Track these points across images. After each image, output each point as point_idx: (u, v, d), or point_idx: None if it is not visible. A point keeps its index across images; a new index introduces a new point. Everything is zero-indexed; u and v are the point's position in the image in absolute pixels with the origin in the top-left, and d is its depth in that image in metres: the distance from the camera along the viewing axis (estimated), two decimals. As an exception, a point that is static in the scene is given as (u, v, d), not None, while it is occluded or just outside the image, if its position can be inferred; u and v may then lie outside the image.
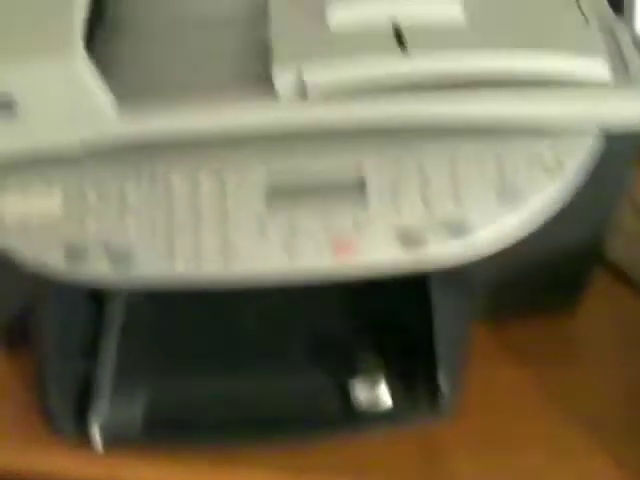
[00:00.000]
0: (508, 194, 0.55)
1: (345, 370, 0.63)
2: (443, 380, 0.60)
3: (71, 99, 0.53)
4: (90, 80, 0.53)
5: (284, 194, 0.56)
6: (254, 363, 0.65)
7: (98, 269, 0.55)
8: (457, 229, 0.55)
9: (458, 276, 0.59)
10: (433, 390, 0.60)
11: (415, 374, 0.62)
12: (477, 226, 0.55)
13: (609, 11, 0.62)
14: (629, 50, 0.58)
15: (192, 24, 0.62)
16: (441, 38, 0.55)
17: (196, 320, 0.68)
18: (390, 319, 0.66)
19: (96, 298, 0.67)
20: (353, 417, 0.61)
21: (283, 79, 0.54)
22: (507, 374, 0.66)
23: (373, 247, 0.55)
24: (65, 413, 0.62)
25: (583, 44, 0.56)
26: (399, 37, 0.55)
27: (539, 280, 0.63)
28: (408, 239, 0.55)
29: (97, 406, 0.62)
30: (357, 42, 0.55)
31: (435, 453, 0.62)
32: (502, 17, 0.58)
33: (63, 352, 0.63)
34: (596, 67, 0.55)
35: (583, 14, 0.58)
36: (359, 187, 0.55)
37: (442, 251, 0.55)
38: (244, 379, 0.64)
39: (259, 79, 0.55)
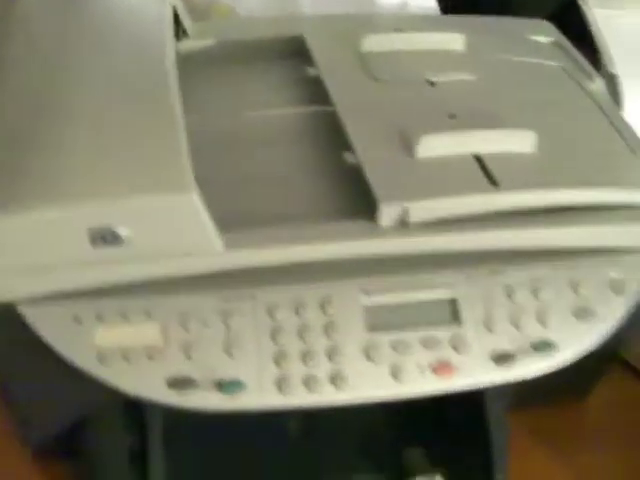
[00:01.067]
0: (585, 314, 0.60)
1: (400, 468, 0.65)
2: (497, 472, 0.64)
3: (181, 232, 0.53)
4: (203, 215, 0.53)
5: (384, 320, 0.58)
6: (304, 472, 0.66)
7: (206, 400, 0.55)
8: (543, 348, 0.59)
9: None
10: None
11: (469, 469, 0.65)
12: (560, 345, 0.59)
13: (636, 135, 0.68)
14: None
15: (267, 144, 0.63)
16: (521, 171, 0.59)
17: (239, 432, 0.66)
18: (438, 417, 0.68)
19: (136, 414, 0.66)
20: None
21: (388, 215, 0.56)
22: (533, 459, 0.71)
23: (470, 367, 0.58)
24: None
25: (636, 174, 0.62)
26: (485, 170, 0.59)
27: (564, 377, 0.68)
28: (500, 359, 0.58)
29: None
30: (450, 176, 0.58)
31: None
32: (567, 147, 0.63)
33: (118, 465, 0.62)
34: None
35: (627, 143, 0.65)
36: (454, 310, 0.59)
37: (531, 369, 0.59)
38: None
39: (356, 210, 0.57)
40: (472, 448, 0.65)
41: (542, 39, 0.76)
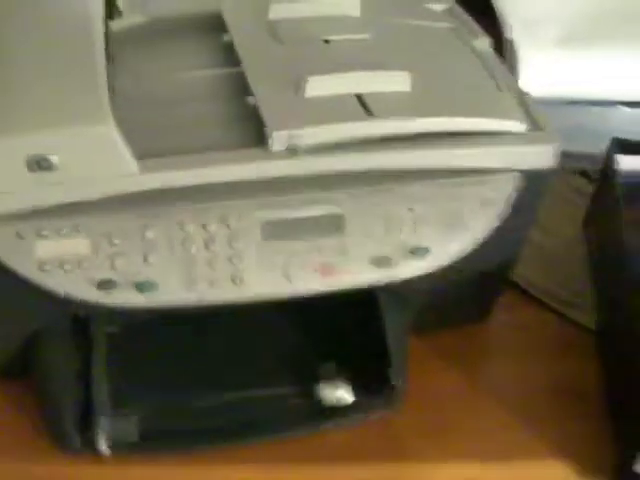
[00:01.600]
0: (456, 225, 0.70)
1: (311, 376, 0.75)
2: (394, 376, 0.73)
3: (102, 158, 0.64)
4: (119, 143, 0.64)
5: (278, 231, 0.68)
6: (230, 378, 0.76)
7: (127, 298, 0.66)
8: (417, 253, 0.69)
9: (404, 291, 0.73)
10: (387, 386, 0.74)
11: (370, 375, 0.75)
12: (433, 249, 0.70)
13: (516, 81, 0.79)
14: (539, 111, 0.74)
15: (186, 96, 0.74)
16: (395, 104, 0.70)
17: (172, 345, 0.78)
18: (346, 331, 0.79)
19: (81, 337, 0.76)
20: (318, 413, 0.74)
21: (277, 141, 0.67)
22: (437, 375, 0.80)
23: (351, 270, 0.69)
24: (74, 430, 0.71)
25: (504, 108, 0.73)
26: (363, 105, 0.70)
27: (460, 296, 0.78)
28: (379, 262, 0.69)
29: (100, 422, 0.71)
30: (332, 109, 0.69)
31: (389, 437, 0.75)
32: (441, 86, 0.74)
33: (66, 378, 0.73)
34: (518, 125, 0.72)
35: (497, 83, 0.75)
36: (339, 222, 0.69)
37: (406, 271, 0.70)
38: (222, 392, 0.75)
39: (252, 139, 0.68)
40: (375, 358, 0.75)
41: (437, 7, 0.86)
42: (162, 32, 0.82)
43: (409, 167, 0.70)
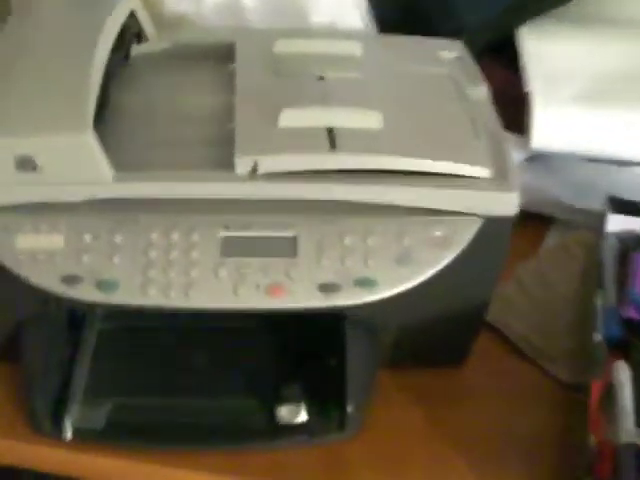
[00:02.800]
0: (405, 261, 0.73)
1: (273, 394, 0.79)
2: (350, 404, 0.76)
3: (80, 165, 0.71)
4: (96, 152, 0.70)
5: (236, 248, 0.73)
6: (200, 386, 0.81)
7: (88, 294, 0.72)
8: (364, 284, 0.73)
9: (366, 321, 0.76)
10: (342, 412, 0.76)
11: (329, 399, 0.78)
12: (380, 282, 0.73)
13: (500, 130, 0.80)
14: (509, 159, 0.76)
15: (177, 117, 0.80)
16: (363, 141, 0.74)
17: (154, 350, 0.85)
18: (312, 354, 0.82)
19: (76, 327, 0.84)
20: (274, 430, 0.77)
21: (242, 165, 0.72)
22: (402, 410, 0.81)
23: (298, 292, 0.72)
24: (44, 414, 0.77)
25: (472, 153, 0.75)
26: (332, 138, 0.74)
27: (432, 336, 0.80)
28: (325, 288, 0.72)
29: (70, 409, 0.77)
30: (299, 140, 0.73)
31: (340, 464, 0.77)
32: (416, 128, 0.77)
33: (46, 365, 0.79)
34: (481, 171, 0.74)
35: (475, 130, 0.78)
36: (293, 246, 0.73)
37: (350, 300, 0.73)
38: (190, 398, 0.80)
39: (223, 162, 0.73)
40: (335, 384, 0.78)
41: (446, 54, 0.89)
42: (178, 58, 0.89)
43: (365, 200, 0.73)
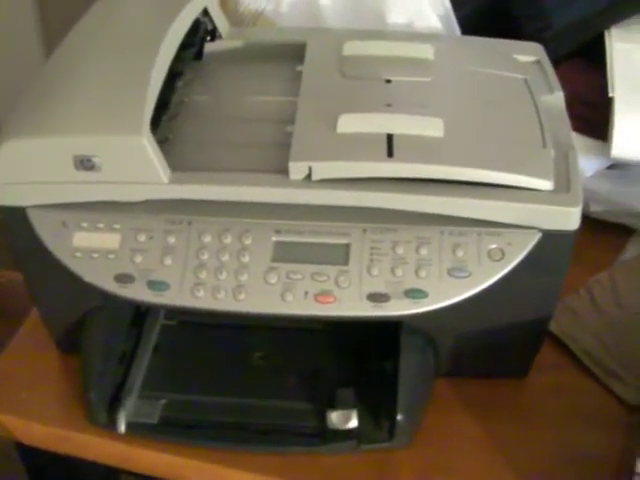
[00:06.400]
0: (458, 273, 0.71)
1: (326, 398, 0.78)
2: (400, 413, 0.75)
3: (136, 166, 0.71)
4: (151, 153, 0.71)
5: (287, 254, 0.73)
6: (255, 386, 0.82)
7: (139, 293, 0.73)
8: (414, 295, 0.71)
9: (423, 330, 0.75)
10: (392, 421, 0.75)
11: (381, 406, 0.77)
12: (430, 294, 0.71)
13: (570, 139, 0.77)
14: (575, 171, 0.73)
15: (240, 118, 0.80)
16: (421, 150, 0.72)
17: (213, 347, 0.85)
18: (370, 358, 0.81)
19: (139, 322, 0.85)
20: (324, 434, 0.76)
21: (296, 171, 0.71)
22: (457, 421, 0.80)
23: (347, 300, 0.71)
24: (99, 406, 0.78)
25: (536, 165, 0.72)
26: (390, 146, 0.72)
27: (491, 347, 0.78)
28: (374, 298, 0.71)
29: (125, 403, 0.78)
30: (356, 146, 0.72)
31: (388, 471, 0.77)
32: (479, 136, 0.74)
33: (104, 358, 0.80)
34: (542, 183, 0.71)
35: (543, 139, 0.74)
36: (344, 254, 0.72)
37: (399, 311, 0.71)
38: (244, 398, 0.80)
39: (279, 166, 0.72)
40: (388, 391, 0.77)
41: (524, 58, 0.86)
42: (249, 57, 0.88)
43: (420, 210, 0.71)
